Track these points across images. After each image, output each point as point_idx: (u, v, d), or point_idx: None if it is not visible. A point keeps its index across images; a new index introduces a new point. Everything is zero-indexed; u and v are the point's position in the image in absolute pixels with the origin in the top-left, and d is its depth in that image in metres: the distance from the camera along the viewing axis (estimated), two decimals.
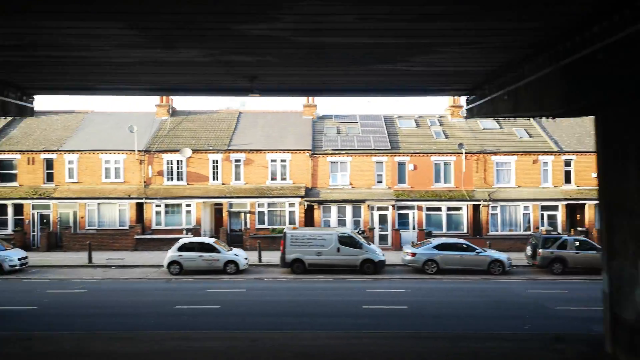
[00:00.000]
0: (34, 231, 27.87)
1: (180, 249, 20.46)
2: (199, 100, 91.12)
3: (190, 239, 21.68)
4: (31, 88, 15.46)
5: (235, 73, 12.88)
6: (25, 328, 11.60)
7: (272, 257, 23.30)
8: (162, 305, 14.31)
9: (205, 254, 20.37)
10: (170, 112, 32.63)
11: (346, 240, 20.60)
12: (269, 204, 28.32)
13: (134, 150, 28.68)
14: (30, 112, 16.25)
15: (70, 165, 28.72)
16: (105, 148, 28.93)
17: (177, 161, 28.97)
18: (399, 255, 22.93)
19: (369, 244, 21.47)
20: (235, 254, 20.86)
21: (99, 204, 28.09)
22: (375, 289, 17.30)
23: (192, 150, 28.68)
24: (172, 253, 20.41)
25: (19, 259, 20.88)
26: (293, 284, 18.47)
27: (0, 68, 12.35)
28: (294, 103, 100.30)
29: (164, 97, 32.45)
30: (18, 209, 27.99)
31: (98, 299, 15.60)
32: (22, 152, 28.63)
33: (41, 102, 36.11)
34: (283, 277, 19.88)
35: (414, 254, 20.79)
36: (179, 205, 28.37)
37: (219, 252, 20.53)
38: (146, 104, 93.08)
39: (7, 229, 27.71)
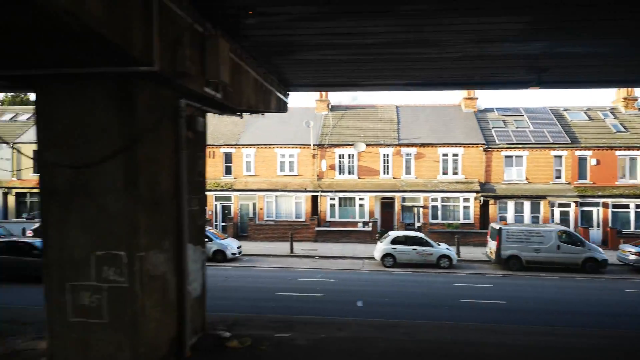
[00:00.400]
0: (216, 221, 29.55)
1: (393, 242, 20.73)
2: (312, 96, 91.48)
3: (400, 232, 21.88)
4: (295, 85, 16.12)
5: (531, 66, 12.68)
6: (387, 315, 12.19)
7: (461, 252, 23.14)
8: (445, 298, 14.49)
9: (419, 248, 20.49)
10: (330, 107, 33.28)
11: (566, 238, 19.91)
12: (443, 199, 28.10)
13: (308, 145, 29.52)
14: (285, 109, 16.95)
15: (248, 158, 30.11)
16: (280, 142, 30.02)
17: (349, 155, 29.48)
18: None
19: (589, 242, 20.64)
20: (447, 248, 20.85)
21: (276, 196, 29.23)
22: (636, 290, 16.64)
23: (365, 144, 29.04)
24: (385, 246, 20.72)
25: (237, 248, 22.15)
26: (533, 281, 17.98)
27: (279, 67, 12.88)
28: (444, 96, 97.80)
29: (323, 93, 33.17)
30: None
31: (360, 289, 15.96)
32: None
33: None
34: (504, 273, 19.53)
35: None
36: (351, 198, 28.87)
37: (431, 246, 20.59)
38: (303, 100, 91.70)
39: None
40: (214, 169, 30.19)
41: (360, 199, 28.75)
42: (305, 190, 28.91)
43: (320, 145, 29.64)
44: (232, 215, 29.26)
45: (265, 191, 29.17)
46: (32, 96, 59.19)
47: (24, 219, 29.17)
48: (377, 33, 9.87)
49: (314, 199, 29.12)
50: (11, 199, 30.61)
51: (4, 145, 31.22)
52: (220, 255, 21.34)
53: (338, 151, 29.57)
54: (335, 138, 30.13)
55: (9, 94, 55.16)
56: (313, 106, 33.53)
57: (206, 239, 21.47)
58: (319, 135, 30.40)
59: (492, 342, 9.44)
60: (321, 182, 29.28)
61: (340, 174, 29.53)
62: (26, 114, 35.13)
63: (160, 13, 6.45)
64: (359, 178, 29.29)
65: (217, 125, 32.35)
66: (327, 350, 8.82)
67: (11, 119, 34.56)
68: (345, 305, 13.65)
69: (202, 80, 8.26)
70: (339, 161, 29.60)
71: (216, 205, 29.60)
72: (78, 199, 7.21)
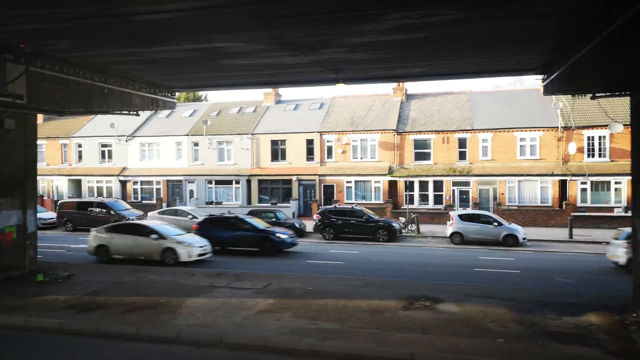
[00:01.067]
0: (454, 206, 29.66)
1: None
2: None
3: None
4: None
5: None
6: None
7: None
8: None
9: None
10: None
11: None
12: None
13: (550, 127, 28.42)
14: None
15: (484, 143, 29.75)
16: (519, 126, 29.25)
17: (600, 137, 27.87)
18: None
19: None
20: None
21: (519, 181, 28.60)
22: None
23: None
24: None
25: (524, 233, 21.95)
26: None
27: None
28: None
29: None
30: (437, 186, 30.09)
31: None
32: (436, 132, 30.62)
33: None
34: None
35: None
36: (605, 182, 27.33)
37: None
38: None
39: (428, 204, 30.03)
40: (447, 154, 30.31)
41: (617, 183, 27.08)
42: (552, 175, 27.89)
43: (566, 128, 28.35)
44: (470, 200, 29.18)
45: (506, 176, 28.65)
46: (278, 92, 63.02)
47: (269, 205, 31.69)
48: None
49: (562, 184, 28.00)
50: (254, 185, 33.40)
51: (244, 135, 34.13)
52: (511, 240, 21.24)
53: (587, 133, 28.06)
54: (580, 119, 28.61)
55: (184, 92, 58.62)
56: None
57: (495, 223, 21.60)
58: (562, 116, 29.09)
59: None
60: (568, 166, 28.05)
61: (589, 157, 28.03)
62: (250, 107, 38.00)
63: None
64: (612, 161, 27.56)
65: (440, 111, 32.40)
66: None
67: (238, 111, 37.64)
68: None
69: None
70: (589, 143, 28.09)
71: (453, 190, 29.71)
72: None
